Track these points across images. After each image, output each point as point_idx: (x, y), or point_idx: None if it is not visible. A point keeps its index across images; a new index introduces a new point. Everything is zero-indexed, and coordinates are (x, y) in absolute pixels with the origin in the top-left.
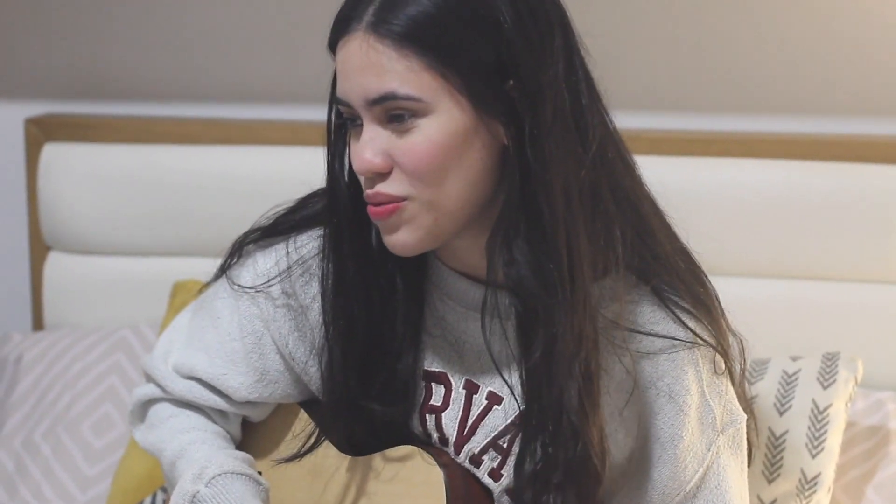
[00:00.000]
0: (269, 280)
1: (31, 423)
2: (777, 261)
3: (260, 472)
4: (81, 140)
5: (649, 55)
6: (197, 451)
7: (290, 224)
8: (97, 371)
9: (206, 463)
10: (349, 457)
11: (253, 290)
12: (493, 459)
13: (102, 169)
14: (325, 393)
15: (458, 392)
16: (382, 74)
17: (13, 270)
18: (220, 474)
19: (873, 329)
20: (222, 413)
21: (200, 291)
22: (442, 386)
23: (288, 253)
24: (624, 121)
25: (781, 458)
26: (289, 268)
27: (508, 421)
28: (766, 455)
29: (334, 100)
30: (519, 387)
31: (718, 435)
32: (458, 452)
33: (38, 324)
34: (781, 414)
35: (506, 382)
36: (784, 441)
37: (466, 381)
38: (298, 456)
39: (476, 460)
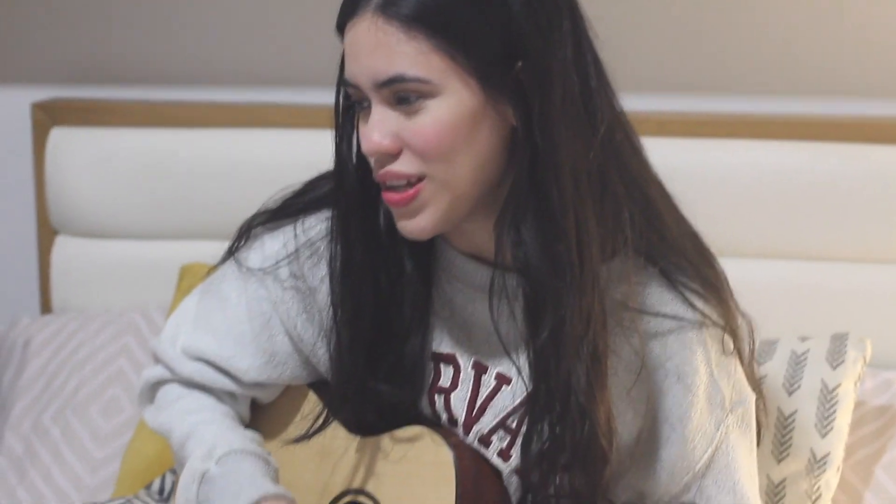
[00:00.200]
0: (277, 262)
1: (39, 406)
2: (785, 242)
3: (269, 453)
4: (88, 124)
5: (656, 37)
6: (206, 430)
7: (297, 206)
8: (105, 354)
9: (216, 442)
10: (358, 437)
11: (261, 272)
12: (501, 440)
13: (110, 153)
14: (334, 375)
15: (467, 373)
16: (391, 56)
17: (21, 255)
18: (229, 453)
19: (882, 309)
20: (231, 394)
21: (208, 274)
22: (450, 367)
23: (296, 235)
24: (631, 103)
25: (790, 437)
26: (297, 250)
27: (517, 401)
28: (776, 435)
29: (342, 82)
30: (527, 368)
31: (727, 415)
32: (466, 433)
33: (46, 308)
34: (790, 394)
35: (514, 363)
36: (793, 421)
37: (475, 361)
38: (307, 436)
39: (485, 441)
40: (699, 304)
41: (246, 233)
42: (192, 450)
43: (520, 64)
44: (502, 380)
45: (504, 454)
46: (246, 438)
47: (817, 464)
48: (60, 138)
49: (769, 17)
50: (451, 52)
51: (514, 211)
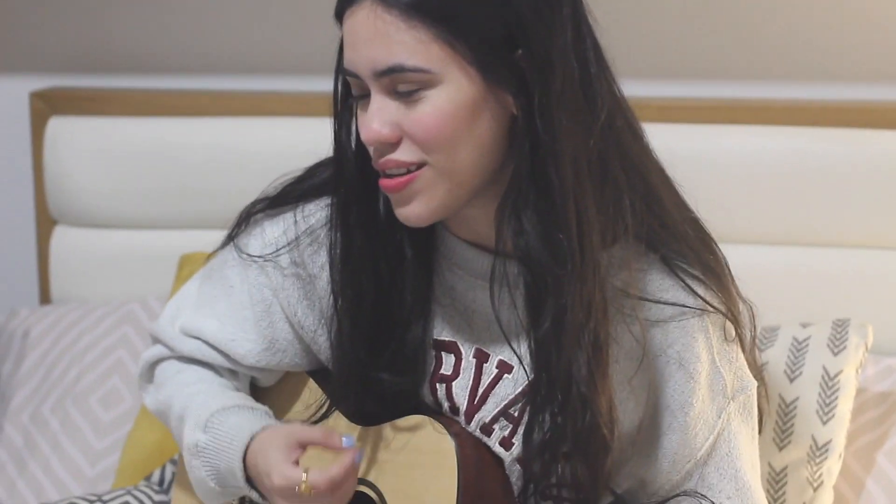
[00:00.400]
0: (277, 249)
1: (39, 397)
2: (786, 228)
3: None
4: (87, 113)
5: (656, 23)
6: (200, 401)
7: (297, 193)
8: (105, 344)
9: (203, 409)
10: (359, 427)
11: (261, 259)
12: (503, 428)
13: (108, 142)
14: (335, 363)
15: (469, 361)
16: (390, 46)
17: (20, 245)
18: (212, 415)
19: (883, 295)
20: (231, 370)
21: (207, 259)
22: (452, 355)
23: (296, 222)
24: (631, 89)
25: (792, 425)
26: (297, 237)
27: (518, 390)
28: (777, 422)
29: (341, 70)
30: (528, 356)
31: (729, 402)
32: (468, 422)
33: (45, 298)
34: (792, 381)
35: (514, 352)
36: (795, 408)
37: (476, 349)
38: (312, 423)
39: (487, 429)
40: (700, 290)
41: (246, 219)
42: (188, 423)
43: (520, 51)
44: (504, 368)
45: (506, 443)
46: (229, 398)
47: (819, 451)
48: (59, 127)
49: (769, 2)
50: (451, 41)
51: (514, 199)
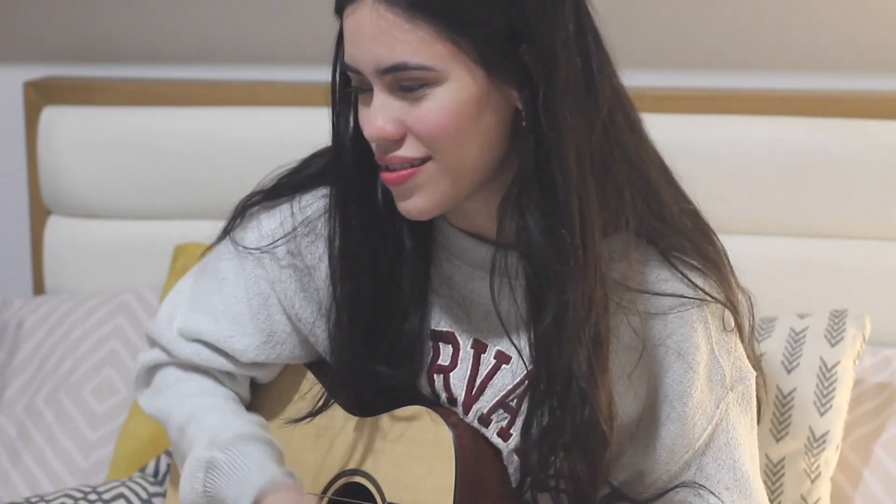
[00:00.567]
0: (274, 241)
1: (32, 388)
2: (783, 218)
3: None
4: (81, 103)
5: (653, 13)
6: (209, 416)
7: (293, 184)
8: (98, 335)
9: (220, 429)
10: (356, 418)
11: (258, 252)
12: (501, 419)
13: (102, 132)
14: (333, 354)
15: (466, 351)
16: (393, 44)
17: (13, 235)
18: (234, 439)
19: (881, 286)
20: (230, 375)
21: (203, 254)
22: (450, 346)
23: (293, 213)
24: (628, 79)
25: (789, 416)
26: (294, 228)
27: (517, 380)
28: (774, 413)
29: (342, 65)
30: (527, 349)
31: (728, 392)
32: (466, 412)
33: (38, 288)
34: (789, 372)
35: (513, 343)
36: (792, 399)
37: (474, 340)
38: (311, 415)
39: (485, 420)
40: (699, 281)
41: (242, 212)
42: (195, 436)
43: (524, 46)
44: (502, 358)
45: (504, 433)
46: (251, 423)
47: (816, 442)
48: (53, 117)
49: None
50: (454, 39)
51: (517, 195)
